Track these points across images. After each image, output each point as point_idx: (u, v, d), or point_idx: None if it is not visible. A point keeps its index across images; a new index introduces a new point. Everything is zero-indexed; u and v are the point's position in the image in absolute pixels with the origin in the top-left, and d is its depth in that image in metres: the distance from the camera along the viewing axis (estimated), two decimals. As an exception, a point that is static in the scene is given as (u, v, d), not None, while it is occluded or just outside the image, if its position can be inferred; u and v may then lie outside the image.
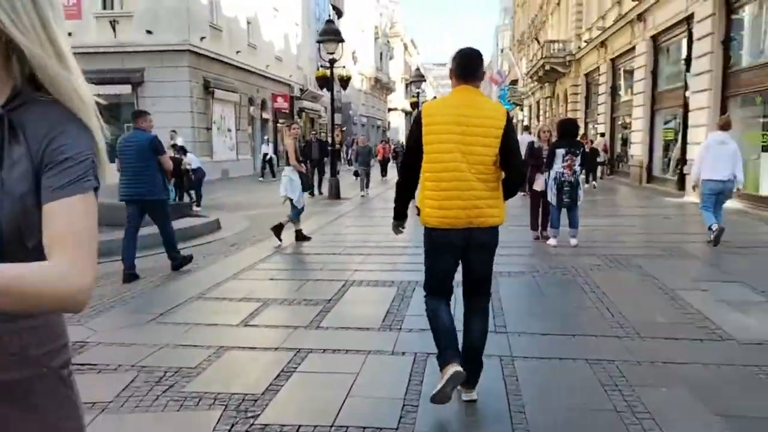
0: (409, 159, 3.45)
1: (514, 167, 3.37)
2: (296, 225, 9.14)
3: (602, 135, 22.65)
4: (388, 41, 66.77)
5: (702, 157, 8.21)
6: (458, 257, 3.39)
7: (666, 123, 18.30)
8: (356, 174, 18.06)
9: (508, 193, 3.44)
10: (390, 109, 70.95)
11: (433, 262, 3.45)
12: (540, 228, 9.23)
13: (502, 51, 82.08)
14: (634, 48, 20.02)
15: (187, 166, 14.01)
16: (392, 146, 29.67)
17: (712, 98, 13.62)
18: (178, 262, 7.20)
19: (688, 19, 15.60)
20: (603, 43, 23.95)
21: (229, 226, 11.16)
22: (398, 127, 71.59)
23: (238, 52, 27.02)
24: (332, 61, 16.06)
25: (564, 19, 32.35)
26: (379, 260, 7.89)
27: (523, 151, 18.92)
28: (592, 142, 21.15)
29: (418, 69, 31.50)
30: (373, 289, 6.35)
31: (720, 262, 7.34)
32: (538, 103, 43.94)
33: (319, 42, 16.35)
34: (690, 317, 5.16)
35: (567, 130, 8.59)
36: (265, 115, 31.27)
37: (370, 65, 56.25)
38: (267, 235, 10.09)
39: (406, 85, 70.89)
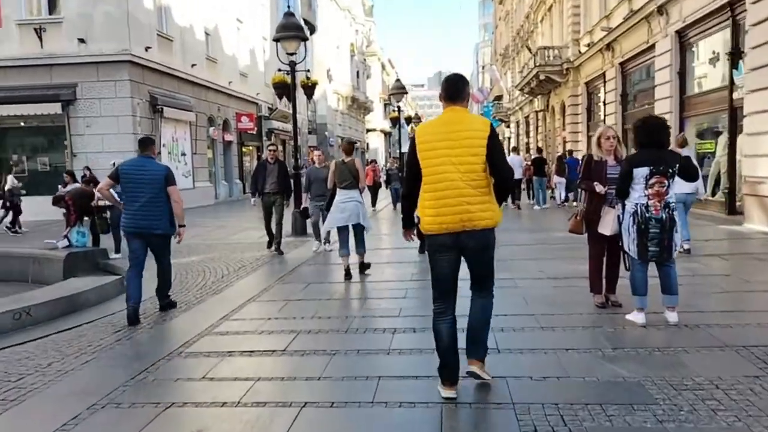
0: (410, 174, 3.83)
1: (500, 172, 3.64)
2: (363, 255, 8.24)
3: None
4: (365, 60, 63.78)
5: None
6: (457, 260, 3.72)
7: (700, 132, 15.17)
8: (304, 214, 11.20)
9: (500, 197, 3.76)
10: (368, 130, 67.76)
11: (434, 265, 3.76)
12: (605, 289, 5.90)
13: (483, 68, 79.77)
14: (653, 47, 16.95)
15: (101, 202, 10.45)
16: (387, 166, 25.88)
17: (783, 96, 10.50)
18: (167, 302, 6.64)
19: (732, 4, 12.60)
20: (609, 46, 20.92)
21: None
22: (377, 148, 68.39)
23: (193, 65, 23.64)
24: (292, 64, 12.72)
25: (558, 25, 29.43)
26: (350, 371, 4.47)
27: (517, 172, 15.12)
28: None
29: (398, 80, 28.31)
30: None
31: None
32: (527, 118, 40.99)
33: (276, 40, 12.93)
34: None
35: (652, 136, 5.19)
36: (228, 137, 27.80)
37: (347, 84, 53.07)
38: (186, 306, 6.66)
39: (385, 105, 68.15)
